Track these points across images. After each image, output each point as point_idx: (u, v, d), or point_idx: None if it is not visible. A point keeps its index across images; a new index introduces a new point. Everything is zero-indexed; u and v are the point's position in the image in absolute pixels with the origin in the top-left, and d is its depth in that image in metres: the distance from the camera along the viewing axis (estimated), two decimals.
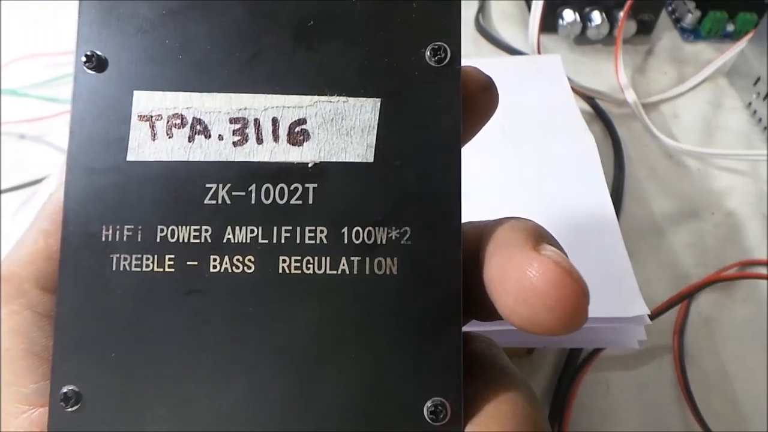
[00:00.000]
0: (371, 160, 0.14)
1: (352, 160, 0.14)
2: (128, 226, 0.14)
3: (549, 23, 0.45)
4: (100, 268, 0.14)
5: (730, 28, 0.47)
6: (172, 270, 0.14)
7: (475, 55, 0.45)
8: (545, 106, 0.35)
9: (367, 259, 0.13)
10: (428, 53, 0.14)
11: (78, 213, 0.14)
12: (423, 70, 0.14)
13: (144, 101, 0.14)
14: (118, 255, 0.14)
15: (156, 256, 0.14)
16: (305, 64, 0.14)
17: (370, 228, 0.14)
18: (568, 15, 0.44)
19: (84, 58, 0.14)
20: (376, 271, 0.13)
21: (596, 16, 0.44)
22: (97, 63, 0.14)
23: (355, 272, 0.13)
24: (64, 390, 0.13)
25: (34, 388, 0.14)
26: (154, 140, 0.14)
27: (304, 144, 0.14)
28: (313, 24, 0.14)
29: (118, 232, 0.14)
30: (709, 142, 0.41)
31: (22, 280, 0.14)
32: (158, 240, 0.14)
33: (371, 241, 0.13)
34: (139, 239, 0.14)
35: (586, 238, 0.28)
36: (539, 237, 0.13)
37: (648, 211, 0.37)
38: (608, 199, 0.29)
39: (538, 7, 0.42)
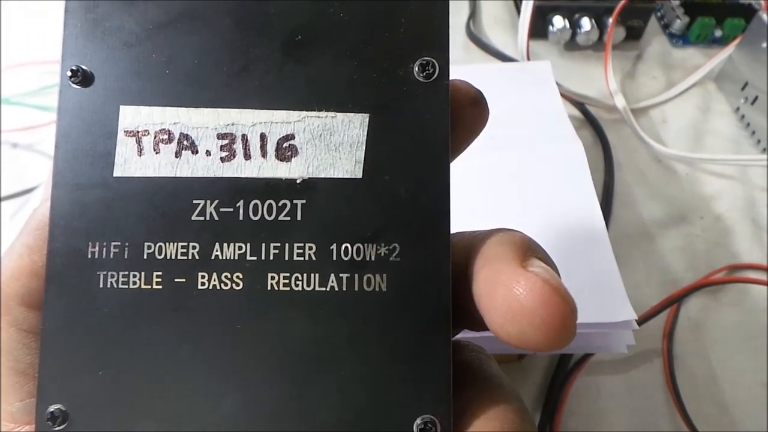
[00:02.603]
0: (360, 176, 0.14)
1: (340, 176, 0.14)
2: (115, 243, 0.14)
3: (539, 29, 0.45)
4: (87, 285, 0.13)
5: (718, 33, 0.47)
6: (160, 287, 0.13)
7: (465, 61, 0.45)
8: (535, 112, 0.35)
9: (356, 275, 0.13)
10: (416, 68, 0.14)
11: (64, 229, 0.14)
12: (411, 85, 0.14)
13: (130, 116, 0.14)
14: (105, 272, 0.13)
15: (143, 273, 0.13)
16: (293, 79, 0.14)
17: (359, 245, 0.13)
18: (558, 21, 0.44)
19: (69, 73, 0.14)
20: (365, 287, 0.13)
21: (586, 23, 0.44)
22: (83, 77, 0.14)
23: (344, 289, 0.13)
24: (51, 409, 0.13)
25: (19, 406, 0.14)
26: (140, 156, 0.14)
27: (293, 160, 0.14)
28: (301, 38, 0.14)
29: (104, 248, 0.13)
30: (698, 147, 0.41)
31: (7, 297, 0.14)
32: (145, 257, 0.13)
33: (360, 258, 0.13)
34: (126, 256, 0.13)
35: (575, 243, 0.28)
36: (527, 251, 0.13)
37: (637, 216, 0.37)
38: (596, 204, 0.29)
39: (527, 13, 0.43)
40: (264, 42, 0.14)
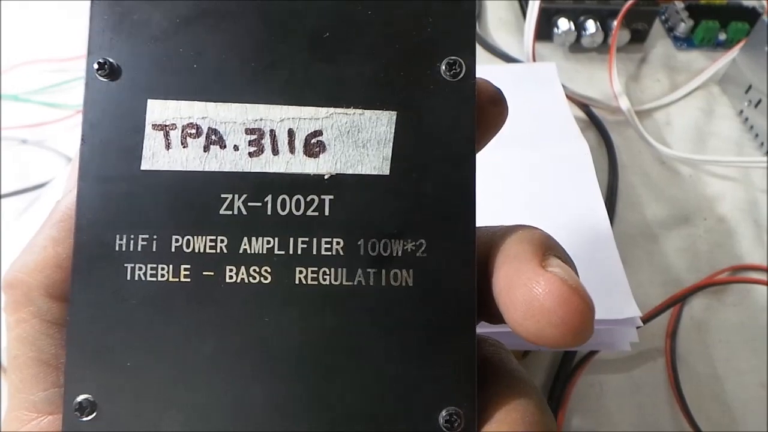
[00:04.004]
0: (387, 172, 0.14)
1: (368, 172, 0.14)
2: (143, 236, 0.14)
3: (544, 31, 0.45)
4: (114, 277, 0.13)
5: (722, 36, 0.47)
6: (188, 280, 0.13)
7: None
8: (541, 112, 0.35)
9: (383, 270, 0.13)
10: (444, 67, 0.14)
11: (91, 221, 0.14)
12: (438, 84, 0.14)
13: (158, 110, 0.14)
14: (132, 264, 0.13)
15: (171, 266, 0.14)
16: (321, 75, 0.14)
17: (386, 240, 0.14)
18: (563, 24, 0.45)
19: (96, 66, 0.14)
20: (392, 282, 0.13)
21: (591, 25, 0.44)
22: (110, 71, 0.14)
23: (371, 283, 0.13)
24: (79, 399, 0.13)
25: (42, 396, 0.14)
26: (168, 150, 0.14)
27: (320, 156, 0.14)
28: (328, 35, 0.14)
29: (132, 241, 0.14)
30: (702, 149, 0.41)
31: (30, 288, 0.14)
32: (173, 250, 0.14)
33: (387, 253, 0.14)
34: (153, 249, 0.14)
35: (580, 241, 0.28)
36: (547, 250, 0.13)
37: (641, 217, 0.37)
38: (602, 203, 0.30)
39: (533, 15, 0.43)
40: (291, 39, 0.14)
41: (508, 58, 0.45)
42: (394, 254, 0.14)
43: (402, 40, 0.14)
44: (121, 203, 0.14)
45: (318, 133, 0.14)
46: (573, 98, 0.42)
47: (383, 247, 0.14)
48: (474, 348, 0.13)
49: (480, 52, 0.46)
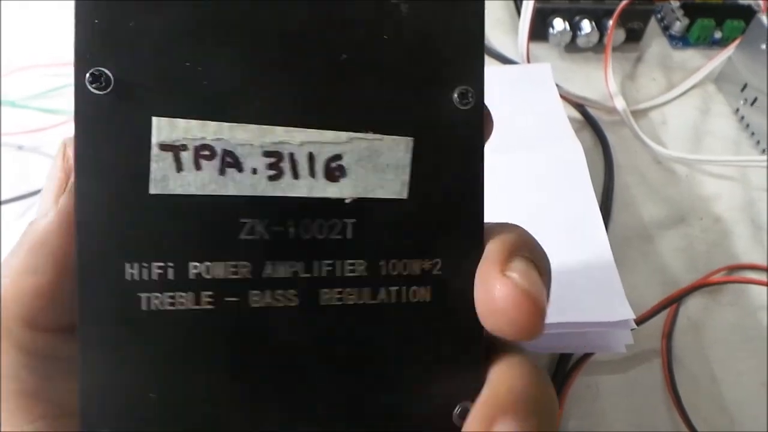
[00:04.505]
0: (405, 196, 0.14)
1: (387, 197, 0.14)
2: (157, 263, 0.13)
3: (540, 31, 0.45)
4: (128, 309, 0.13)
5: (718, 35, 0.47)
6: (211, 306, 0.13)
7: None
8: (535, 114, 0.35)
9: (404, 288, 0.14)
10: (456, 96, 0.14)
11: (95, 251, 0.13)
12: (451, 112, 0.14)
13: (166, 129, 0.13)
14: (147, 294, 0.13)
15: (192, 294, 0.13)
16: (339, 98, 0.14)
17: (406, 260, 0.14)
18: (558, 24, 0.45)
19: (90, 78, 0.12)
20: (411, 299, 0.14)
21: (586, 25, 0.44)
22: (106, 83, 0.12)
23: (393, 301, 0.14)
24: None
25: (31, 429, 0.13)
26: (179, 172, 0.13)
27: (341, 180, 0.14)
28: (346, 57, 0.14)
29: (145, 269, 0.13)
30: (698, 148, 0.41)
31: (7, 319, 0.13)
32: (192, 277, 0.13)
33: (407, 273, 0.14)
34: (170, 276, 0.13)
35: (574, 243, 0.28)
36: (515, 252, 0.14)
37: (637, 217, 0.37)
38: (595, 205, 0.30)
39: (527, 16, 0.43)
40: (308, 57, 0.14)
41: (503, 59, 0.45)
42: (413, 273, 0.14)
43: (418, 65, 0.14)
44: (129, 230, 0.13)
45: (338, 157, 0.14)
46: (568, 98, 0.42)
47: (403, 266, 0.14)
48: (479, 353, 0.15)
49: None
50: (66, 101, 0.41)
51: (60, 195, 0.14)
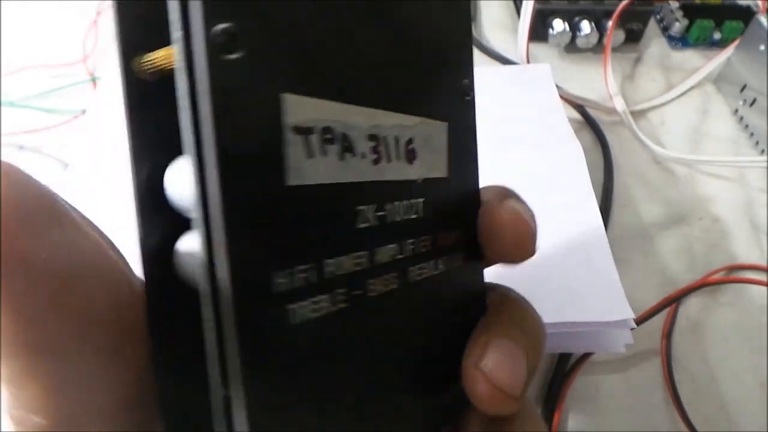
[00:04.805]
0: (447, 175, 0.16)
1: (439, 175, 0.15)
2: (300, 267, 0.11)
3: (540, 32, 0.46)
4: (279, 327, 0.11)
5: (717, 36, 0.48)
6: (344, 305, 0.12)
7: None
8: (534, 114, 0.35)
9: (447, 257, 0.16)
10: (463, 88, 0.16)
11: (242, 261, 0.10)
12: (461, 101, 0.16)
13: (298, 109, 0.11)
14: (295, 305, 0.11)
15: (329, 295, 0.12)
16: (402, 86, 0.14)
17: (448, 232, 0.16)
18: (558, 24, 0.45)
19: (220, 35, 0.09)
20: (452, 265, 0.16)
21: (585, 26, 0.45)
22: (235, 45, 0.09)
23: (444, 269, 0.16)
24: None
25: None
26: (309, 158, 0.11)
27: (414, 162, 0.14)
28: (400, 50, 0.14)
29: (290, 276, 0.11)
30: (697, 149, 0.41)
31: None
32: (326, 276, 0.12)
33: (449, 243, 0.16)
34: (312, 279, 0.11)
35: (573, 244, 0.28)
36: (506, 195, 0.17)
37: (637, 217, 0.37)
38: (595, 206, 0.30)
39: (526, 17, 0.43)
40: (383, 51, 0.13)
41: (503, 60, 0.45)
42: (451, 243, 0.16)
43: (436, 61, 0.15)
44: (272, 230, 0.11)
45: (411, 140, 0.14)
46: (568, 99, 0.42)
47: (445, 238, 0.16)
48: (486, 300, 0.17)
49: (475, 53, 0.46)
50: (66, 101, 0.41)
51: None
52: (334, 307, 0.12)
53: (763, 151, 0.40)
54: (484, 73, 0.41)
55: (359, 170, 0.13)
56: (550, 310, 0.25)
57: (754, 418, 0.30)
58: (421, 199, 0.15)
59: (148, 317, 0.11)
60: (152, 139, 0.11)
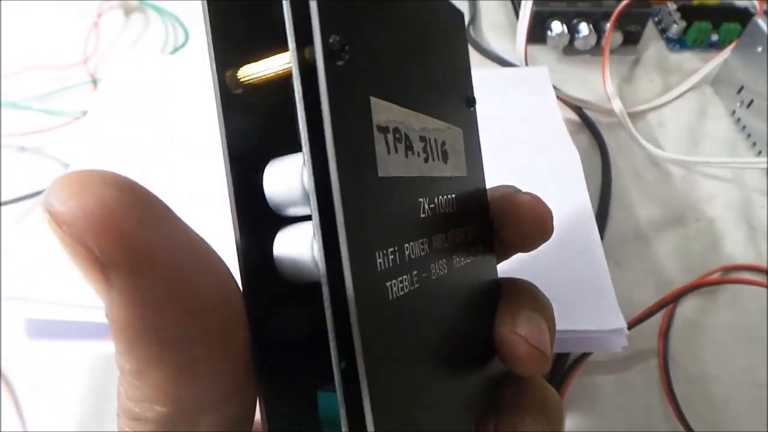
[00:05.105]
0: (466, 175, 0.18)
1: (461, 174, 0.17)
2: (390, 249, 0.12)
3: (538, 34, 0.46)
4: (384, 302, 0.12)
5: (715, 37, 0.48)
6: (417, 285, 0.13)
7: None
8: (532, 117, 0.36)
9: (473, 248, 0.17)
10: (469, 100, 0.19)
11: (358, 243, 0.11)
12: (467, 111, 0.18)
13: (382, 110, 0.13)
14: (390, 282, 0.12)
15: (408, 276, 0.13)
16: (436, 96, 0.16)
17: (473, 225, 0.17)
18: (556, 26, 0.45)
19: (333, 43, 0.11)
20: (476, 255, 0.17)
21: (584, 28, 0.45)
22: (342, 53, 0.11)
23: (473, 259, 0.17)
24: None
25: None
26: (389, 154, 0.13)
27: (448, 161, 0.16)
28: (427, 64, 0.16)
29: (386, 257, 0.12)
30: (694, 150, 0.42)
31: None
32: (407, 259, 0.13)
33: (473, 236, 0.17)
34: (397, 262, 0.13)
35: (567, 251, 0.28)
36: (518, 189, 0.20)
37: (634, 218, 0.37)
38: (591, 211, 0.30)
39: (525, 19, 0.43)
40: (425, 64, 0.16)
41: (502, 62, 0.45)
42: (475, 235, 0.17)
43: (447, 76, 0.17)
44: (373, 216, 0.12)
45: (444, 143, 0.16)
46: (566, 100, 0.42)
47: (472, 231, 0.17)
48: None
49: (474, 55, 0.47)
50: (67, 103, 0.41)
51: (102, 277, 0.11)
52: (412, 286, 0.13)
53: (760, 153, 0.41)
54: (481, 75, 0.41)
55: (418, 166, 0.14)
56: None
57: (751, 418, 0.30)
58: (453, 195, 0.16)
59: (248, 310, 0.12)
60: (240, 145, 0.12)
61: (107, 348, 0.26)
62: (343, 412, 0.11)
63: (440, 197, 0.15)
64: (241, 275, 0.12)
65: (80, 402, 0.29)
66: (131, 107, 0.35)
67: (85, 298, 0.25)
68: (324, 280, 0.11)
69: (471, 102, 0.18)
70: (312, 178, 0.11)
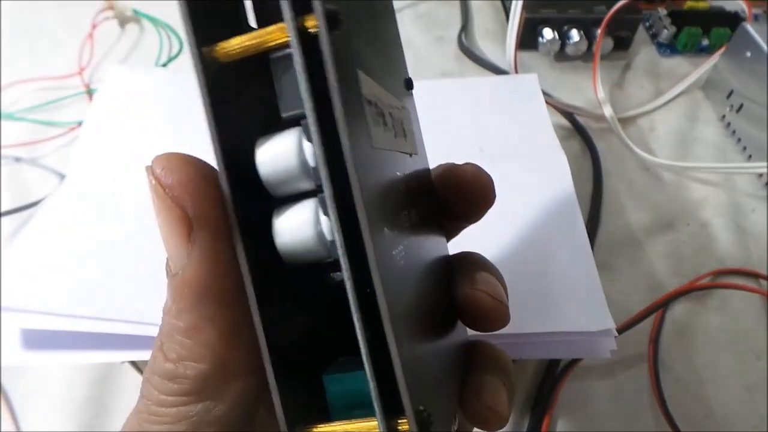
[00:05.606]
0: (417, 153, 0.18)
1: (413, 152, 0.17)
2: (390, 219, 0.13)
3: (529, 41, 0.46)
4: (393, 267, 0.12)
5: (705, 42, 0.48)
6: (403, 253, 0.13)
7: (457, 73, 0.46)
8: (521, 125, 0.36)
9: (430, 224, 0.18)
10: (407, 82, 0.19)
11: (374, 214, 0.11)
12: (408, 93, 0.19)
13: (365, 84, 0.12)
14: (396, 249, 0.13)
15: (402, 246, 0.13)
16: (390, 73, 0.16)
17: (425, 202, 0.18)
18: (548, 33, 0.45)
19: (331, 11, 0.11)
20: (432, 231, 0.18)
21: (574, 34, 0.45)
22: (336, 22, 0.11)
23: (432, 234, 0.18)
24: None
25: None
26: (376, 127, 0.13)
27: (407, 139, 0.16)
28: (387, 47, 0.17)
29: (389, 227, 0.12)
30: (685, 155, 0.42)
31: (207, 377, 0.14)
32: (398, 230, 0.13)
33: (429, 212, 0.18)
34: (395, 231, 0.13)
35: (557, 254, 0.29)
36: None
37: (625, 223, 0.38)
38: (579, 216, 0.30)
39: (514, 26, 0.44)
40: (383, 45, 0.16)
41: (494, 69, 0.46)
42: (429, 212, 0.18)
43: (397, 57, 0.18)
44: (376, 186, 0.12)
45: (402, 121, 0.16)
46: (557, 106, 0.42)
47: (427, 207, 0.18)
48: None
49: (466, 62, 0.47)
50: (62, 113, 0.41)
51: (187, 237, 0.13)
52: (404, 253, 0.13)
53: (750, 157, 0.41)
54: (470, 83, 0.42)
55: (393, 141, 0.14)
56: (533, 319, 0.25)
57: (740, 421, 0.30)
58: (414, 171, 0.16)
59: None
60: (230, 121, 0.12)
61: (102, 358, 0.26)
62: (373, 385, 0.12)
63: (408, 172, 0.16)
64: (245, 279, 0.12)
65: (75, 412, 0.29)
66: (126, 117, 0.36)
67: (80, 308, 0.25)
68: (341, 252, 0.11)
69: (409, 84, 0.19)
70: (322, 149, 0.11)
